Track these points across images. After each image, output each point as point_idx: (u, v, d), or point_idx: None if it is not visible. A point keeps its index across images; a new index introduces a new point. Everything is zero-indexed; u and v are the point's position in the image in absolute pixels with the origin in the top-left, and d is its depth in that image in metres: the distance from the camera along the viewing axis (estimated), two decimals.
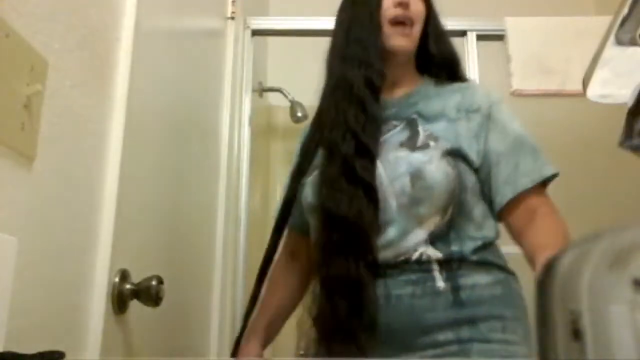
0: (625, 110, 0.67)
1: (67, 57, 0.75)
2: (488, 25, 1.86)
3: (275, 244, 1.11)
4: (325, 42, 2.04)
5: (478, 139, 1.00)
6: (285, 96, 2.23)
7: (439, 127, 1.00)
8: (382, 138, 1.01)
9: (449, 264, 0.94)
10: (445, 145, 0.97)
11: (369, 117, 0.99)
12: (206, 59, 1.54)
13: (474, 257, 0.96)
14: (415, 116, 1.03)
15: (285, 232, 1.13)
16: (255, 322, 1.12)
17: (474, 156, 0.99)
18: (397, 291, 0.93)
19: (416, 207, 0.94)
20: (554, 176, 1.01)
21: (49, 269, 0.70)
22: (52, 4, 0.71)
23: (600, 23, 0.82)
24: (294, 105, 2.20)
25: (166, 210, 1.14)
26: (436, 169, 0.94)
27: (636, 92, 0.65)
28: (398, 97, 1.07)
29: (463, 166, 0.98)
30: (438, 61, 1.10)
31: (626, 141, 0.67)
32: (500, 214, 1.00)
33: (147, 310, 0.91)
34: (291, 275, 1.17)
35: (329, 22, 1.92)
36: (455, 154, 0.97)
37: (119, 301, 0.86)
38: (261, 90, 2.16)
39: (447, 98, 1.04)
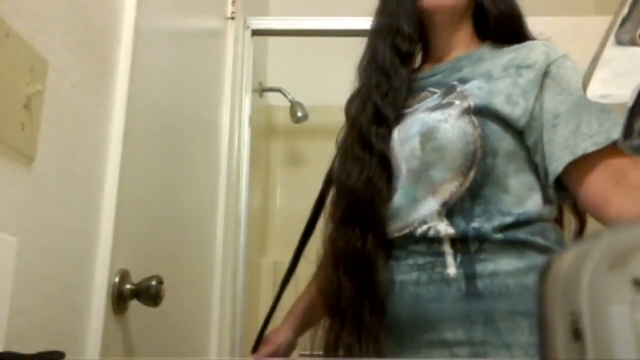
0: (625, 111, 0.67)
1: (67, 57, 0.75)
2: None
3: (312, 227, 1.00)
4: (325, 42, 2.04)
5: (526, 96, 0.83)
6: (285, 96, 2.23)
7: (473, 84, 0.86)
8: (416, 106, 0.90)
9: (466, 245, 0.78)
10: (470, 102, 0.83)
11: (391, 86, 0.90)
12: (206, 59, 1.54)
13: (499, 236, 0.78)
14: (455, 83, 0.89)
15: None
16: (295, 304, 1.01)
17: (517, 115, 0.82)
18: (400, 277, 0.81)
19: (427, 172, 0.81)
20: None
21: (49, 269, 0.70)
22: (52, 4, 0.71)
23: (600, 23, 0.82)
24: (294, 105, 2.20)
25: (166, 210, 1.14)
26: (452, 127, 0.81)
27: (636, 92, 0.65)
28: (447, 61, 0.95)
29: (494, 126, 0.82)
30: (495, 19, 0.94)
31: (626, 141, 0.67)
32: (559, 186, 0.82)
33: (147, 310, 0.91)
34: None
35: (329, 22, 1.93)
36: (483, 113, 0.82)
37: (119, 301, 0.86)
38: (261, 90, 2.16)
39: (499, 58, 0.90)
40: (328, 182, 1.00)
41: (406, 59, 0.92)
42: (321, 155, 1.13)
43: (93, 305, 0.81)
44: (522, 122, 0.83)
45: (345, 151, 0.90)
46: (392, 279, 0.81)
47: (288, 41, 2.25)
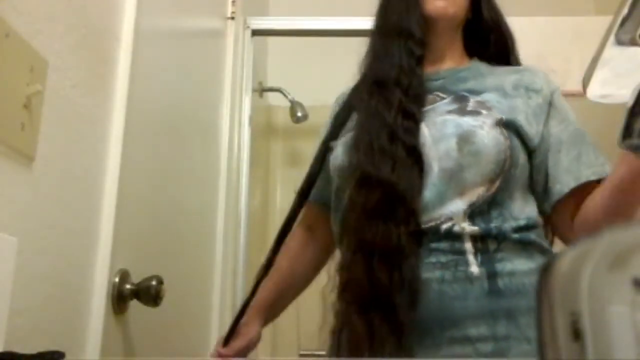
0: (625, 111, 0.67)
1: (67, 57, 0.75)
2: None
3: (297, 211, 1.01)
4: (325, 42, 2.03)
5: (537, 119, 0.91)
6: (285, 96, 2.23)
7: (491, 97, 0.91)
8: (428, 107, 0.93)
9: (485, 244, 0.83)
10: (498, 115, 0.88)
11: (412, 84, 0.93)
12: (206, 59, 1.54)
13: (516, 236, 0.84)
14: (465, 93, 0.93)
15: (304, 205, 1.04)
16: (261, 297, 1.01)
17: (532, 134, 0.89)
18: (424, 275, 0.81)
19: (461, 173, 0.84)
20: None
21: (49, 269, 0.70)
22: (52, 4, 0.71)
23: (600, 23, 0.82)
24: (294, 105, 2.20)
25: (166, 210, 1.14)
26: (487, 134, 0.85)
27: (636, 92, 0.65)
28: (445, 69, 1.00)
29: (516, 141, 0.88)
30: (492, 34, 1.02)
31: (626, 141, 0.67)
32: (556, 205, 0.89)
33: (147, 310, 0.91)
34: (308, 250, 1.08)
35: (329, 22, 1.93)
36: (510, 127, 0.87)
37: (119, 301, 0.86)
38: (261, 90, 2.16)
39: (503, 77, 0.96)
40: (314, 175, 1.01)
41: (420, 61, 0.95)
42: None
43: (93, 305, 0.81)
44: (535, 142, 0.90)
45: (369, 143, 0.89)
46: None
47: (288, 41, 2.25)
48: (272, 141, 2.40)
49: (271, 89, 2.26)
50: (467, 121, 0.87)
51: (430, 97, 0.95)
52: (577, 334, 0.31)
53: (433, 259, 0.82)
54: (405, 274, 0.79)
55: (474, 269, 0.81)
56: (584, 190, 0.86)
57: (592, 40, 0.86)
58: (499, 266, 0.82)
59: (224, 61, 1.68)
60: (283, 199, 2.26)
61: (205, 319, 1.44)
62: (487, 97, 0.91)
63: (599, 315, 0.30)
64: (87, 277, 0.80)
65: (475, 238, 0.83)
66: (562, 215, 0.90)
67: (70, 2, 0.77)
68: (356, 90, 1.03)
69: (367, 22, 1.55)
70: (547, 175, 0.90)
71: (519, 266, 0.82)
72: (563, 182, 0.88)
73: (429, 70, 0.99)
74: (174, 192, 1.20)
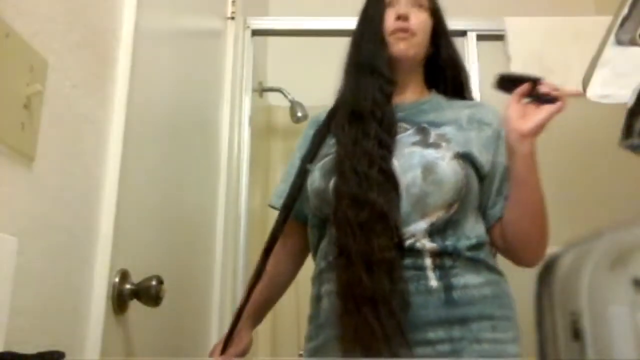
0: (625, 111, 0.67)
1: (67, 57, 0.75)
2: (488, 25, 1.86)
3: (282, 225, 1.12)
4: (325, 42, 2.03)
5: (488, 149, 1.06)
6: (285, 96, 2.23)
7: (449, 130, 1.05)
8: (395, 138, 1.06)
9: (442, 260, 0.96)
10: (456, 148, 1.02)
11: (385, 116, 1.05)
12: (206, 59, 1.54)
13: (468, 254, 0.98)
14: (426, 125, 1.07)
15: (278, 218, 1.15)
16: (250, 307, 1.11)
17: (483, 162, 1.04)
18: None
19: (425, 199, 0.97)
20: None
21: (49, 269, 0.70)
22: (52, 4, 0.71)
23: (600, 23, 0.82)
24: (294, 105, 2.20)
25: (166, 210, 1.14)
26: (447, 165, 0.99)
27: (636, 92, 0.65)
28: (408, 102, 1.13)
29: (471, 171, 1.02)
30: (449, 70, 1.16)
31: (626, 141, 0.67)
32: (492, 227, 1.06)
33: (147, 310, 0.91)
34: (284, 259, 1.18)
35: (328, 22, 1.93)
36: (465, 158, 1.02)
37: (119, 301, 0.86)
38: (261, 90, 2.16)
39: (458, 110, 1.10)
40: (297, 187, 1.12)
41: (389, 97, 1.09)
42: None
43: (93, 305, 0.81)
44: (485, 170, 1.05)
45: (353, 168, 1.01)
46: None
47: (288, 41, 2.25)
48: (272, 141, 2.39)
49: (271, 89, 2.26)
50: (431, 153, 1.01)
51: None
52: (577, 334, 0.31)
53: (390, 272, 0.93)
54: (397, 283, 0.92)
55: (433, 282, 0.95)
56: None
57: (592, 40, 0.86)
58: (454, 280, 0.96)
59: (224, 61, 1.68)
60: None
61: (205, 319, 1.44)
62: (446, 130, 1.05)
63: (599, 315, 0.30)
64: (87, 277, 0.80)
65: (433, 255, 0.96)
66: (495, 235, 1.06)
67: (70, 2, 0.76)
68: (333, 119, 1.15)
69: None
70: (488, 199, 1.06)
71: (470, 280, 0.97)
72: (497, 208, 1.05)
73: (394, 102, 1.11)
74: (174, 192, 1.19)
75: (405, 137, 1.05)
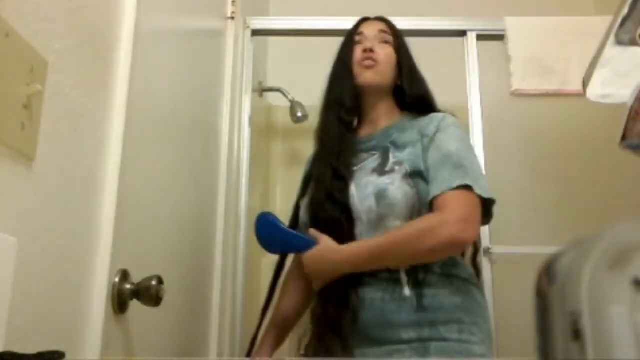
0: (625, 111, 0.67)
1: (67, 57, 0.75)
2: (488, 25, 1.86)
3: (282, 264, 1.31)
4: (325, 42, 2.03)
5: (424, 156, 1.17)
6: (285, 96, 2.23)
7: (405, 153, 1.18)
8: (360, 165, 1.21)
9: (416, 274, 1.10)
10: (407, 168, 1.15)
11: (342, 149, 1.22)
12: (206, 59, 1.54)
13: (438, 270, 1.12)
14: (388, 145, 1.21)
15: None
16: (268, 327, 1.29)
17: (425, 172, 1.16)
18: (370, 295, 1.11)
19: (382, 222, 1.13)
20: (468, 187, 1.11)
21: (49, 269, 0.70)
22: (52, 4, 0.71)
23: (600, 23, 0.82)
24: (294, 105, 2.20)
25: (166, 210, 1.14)
26: (397, 189, 1.13)
27: (636, 92, 0.65)
28: (379, 129, 1.27)
29: (422, 184, 1.14)
30: (412, 99, 1.28)
31: (626, 141, 0.67)
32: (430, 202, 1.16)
33: (147, 310, 0.91)
34: (298, 284, 1.31)
35: (328, 22, 1.93)
36: (415, 175, 1.15)
37: (119, 301, 0.86)
38: (261, 90, 2.16)
39: (416, 130, 1.22)
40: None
41: (349, 126, 1.27)
42: None
43: (93, 305, 0.81)
44: (428, 178, 1.15)
45: (317, 203, 1.21)
46: (364, 297, 1.11)
47: (288, 41, 2.25)
48: (272, 141, 2.39)
49: (271, 89, 2.26)
50: (383, 181, 1.14)
51: (364, 155, 1.23)
52: (577, 334, 0.31)
53: (377, 285, 1.11)
54: (349, 302, 1.11)
55: (407, 291, 1.09)
56: (434, 206, 1.11)
57: (592, 40, 0.86)
58: (426, 290, 1.10)
59: (224, 61, 1.68)
60: (283, 199, 2.26)
61: (205, 319, 1.44)
62: (402, 154, 1.18)
63: (599, 315, 0.30)
64: (87, 277, 0.80)
65: (408, 271, 1.11)
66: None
67: (70, 2, 0.76)
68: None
69: None
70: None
71: (440, 290, 1.11)
72: (425, 203, 1.15)
73: (366, 132, 1.28)
74: (174, 192, 1.20)
75: (369, 164, 1.20)
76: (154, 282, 0.88)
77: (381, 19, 1.35)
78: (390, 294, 1.10)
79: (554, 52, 1.81)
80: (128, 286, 0.88)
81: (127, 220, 0.89)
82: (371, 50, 1.26)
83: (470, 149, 1.20)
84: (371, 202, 1.13)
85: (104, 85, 0.86)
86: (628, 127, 0.66)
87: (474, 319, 1.10)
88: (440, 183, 1.11)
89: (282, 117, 2.33)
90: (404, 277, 1.10)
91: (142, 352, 0.96)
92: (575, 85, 1.56)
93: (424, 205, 1.13)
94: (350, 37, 1.33)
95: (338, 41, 1.82)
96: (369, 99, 1.27)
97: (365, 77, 1.25)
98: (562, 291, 0.33)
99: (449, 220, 1.07)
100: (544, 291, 0.34)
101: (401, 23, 1.40)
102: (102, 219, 0.84)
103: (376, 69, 1.25)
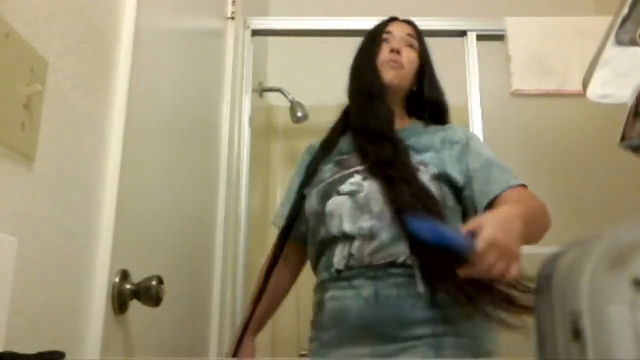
0: (625, 110, 0.67)
1: (67, 57, 0.75)
2: (488, 25, 1.86)
3: (281, 248, 1.28)
4: (325, 42, 2.03)
5: (460, 162, 1.19)
6: (285, 96, 2.23)
7: (427, 156, 1.19)
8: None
9: (429, 270, 1.08)
10: (433, 170, 1.16)
11: (391, 141, 1.20)
12: (206, 59, 1.54)
13: None
14: (406, 146, 1.21)
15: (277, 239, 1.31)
16: (255, 319, 1.28)
17: (457, 176, 1.17)
18: (385, 292, 1.09)
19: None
20: (523, 186, 1.14)
21: (49, 269, 0.70)
22: (52, 4, 0.71)
23: (600, 23, 0.82)
24: (294, 105, 2.20)
25: (166, 210, 1.14)
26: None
27: (636, 92, 0.65)
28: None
29: (446, 188, 1.16)
30: (430, 106, 1.31)
31: (626, 141, 0.67)
32: (494, 199, 1.13)
33: (147, 310, 0.91)
34: (283, 276, 1.34)
35: (328, 22, 1.93)
36: (441, 178, 1.15)
37: (119, 301, 0.86)
38: (261, 90, 2.16)
39: (433, 135, 1.25)
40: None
41: (392, 123, 1.25)
42: None
43: (93, 305, 0.81)
44: (461, 182, 1.17)
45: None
46: (378, 293, 1.09)
47: (288, 41, 2.25)
48: (272, 141, 2.39)
49: (271, 89, 2.26)
50: None
51: None
52: (577, 334, 0.31)
53: (392, 281, 1.09)
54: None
55: (421, 288, 1.08)
56: (497, 203, 1.10)
57: (592, 40, 0.86)
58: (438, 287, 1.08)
59: (224, 61, 1.68)
60: None
61: (205, 319, 1.44)
62: (424, 156, 1.19)
63: (599, 315, 0.30)
64: (87, 277, 0.80)
65: (420, 266, 1.08)
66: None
67: (70, 2, 0.76)
68: (329, 146, 1.30)
69: (366, 22, 1.56)
70: (480, 192, 1.16)
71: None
72: (480, 204, 1.14)
73: None
74: (174, 192, 1.20)
75: None
76: (154, 282, 0.88)
77: (409, 23, 1.37)
78: (405, 290, 1.09)
79: (554, 52, 1.81)
80: (128, 286, 0.88)
81: (127, 220, 0.89)
82: (398, 52, 1.29)
83: None
84: None
85: (104, 85, 0.86)
86: (628, 127, 0.66)
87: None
88: (500, 182, 1.13)
89: (282, 117, 2.33)
90: (418, 273, 1.09)
91: (142, 352, 0.96)
92: (575, 85, 1.56)
93: (445, 208, 1.14)
94: (377, 34, 1.33)
95: (338, 41, 1.82)
96: (390, 98, 1.28)
97: (389, 76, 1.27)
98: (562, 291, 0.33)
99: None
100: (544, 291, 0.34)
101: None
102: (102, 219, 0.84)
103: (400, 71, 1.28)
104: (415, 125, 1.31)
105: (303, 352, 1.96)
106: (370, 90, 1.26)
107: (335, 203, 1.16)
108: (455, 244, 0.89)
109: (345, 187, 1.17)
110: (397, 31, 1.33)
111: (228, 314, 1.53)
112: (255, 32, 1.87)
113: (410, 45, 1.31)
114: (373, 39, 1.33)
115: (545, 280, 0.34)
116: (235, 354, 1.22)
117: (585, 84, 0.87)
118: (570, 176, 2.13)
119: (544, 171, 2.15)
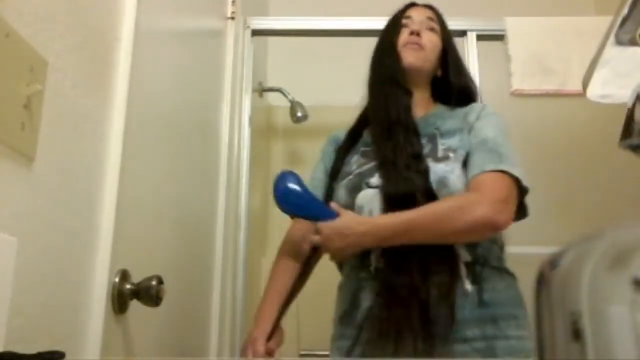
0: (625, 111, 0.67)
1: (67, 57, 0.75)
2: (488, 25, 1.86)
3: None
4: (325, 42, 2.03)
5: (470, 142, 1.16)
6: (285, 96, 2.23)
7: (455, 140, 1.16)
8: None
9: (474, 268, 1.07)
10: (462, 153, 1.13)
11: (409, 130, 1.17)
12: (206, 59, 1.54)
13: (495, 263, 1.10)
14: (434, 131, 1.19)
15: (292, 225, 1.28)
16: (269, 304, 1.21)
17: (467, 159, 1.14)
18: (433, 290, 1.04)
19: None
20: (503, 172, 1.09)
21: (49, 269, 0.70)
22: (52, 4, 0.71)
23: (600, 23, 0.82)
24: (294, 105, 2.20)
25: (166, 210, 1.14)
26: (457, 178, 1.10)
27: (636, 92, 0.65)
28: (418, 115, 1.23)
29: None
30: (457, 92, 1.26)
31: (626, 141, 0.67)
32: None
33: (147, 310, 0.91)
34: (298, 265, 1.25)
35: (328, 22, 1.93)
36: (466, 162, 1.12)
37: (119, 301, 0.86)
38: (261, 90, 2.16)
39: (458, 119, 1.21)
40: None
41: (411, 110, 1.21)
42: None
43: (93, 305, 0.81)
44: None
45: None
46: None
47: (288, 41, 2.25)
48: (272, 141, 2.40)
49: (271, 89, 2.26)
50: (441, 168, 1.10)
51: None
52: (577, 334, 0.31)
53: (437, 279, 1.04)
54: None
55: (468, 286, 1.05)
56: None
57: (592, 40, 0.86)
58: (484, 284, 1.06)
59: (224, 61, 1.68)
60: None
61: (205, 319, 1.44)
62: (451, 141, 1.15)
63: (599, 315, 0.30)
64: (87, 277, 0.80)
65: (467, 264, 1.07)
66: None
67: (70, 2, 0.76)
68: (356, 137, 1.28)
69: (366, 23, 1.56)
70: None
71: (496, 284, 1.08)
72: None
73: None
74: (174, 192, 1.20)
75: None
76: (154, 282, 0.88)
77: (429, 7, 1.33)
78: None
79: (554, 52, 1.81)
80: (128, 286, 0.88)
81: (127, 220, 0.89)
82: (418, 34, 1.25)
83: (508, 137, 1.17)
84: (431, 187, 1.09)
85: (104, 85, 0.86)
86: (628, 127, 0.66)
87: (524, 312, 1.07)
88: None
89: (282, 117, 2.33)
90: (463, 271, 1.06)
91: (142, 352, 0.96)
92: (575, 85, 1.56)
93: None
94: (397, 20, 1.31)
95: (338, 41, 1.82)
96: (409, 81, 1.24)
97: (409, 59, 1.24)
98: (562, 291, 0.33)
99: (485, 199, 1.04)
100: (544, 291, 0.34)
101: None
102: (102, 219, 0.84)
103: (420, 53, 1.24)
104: (441, 109, 1.27)
105: (303, 352, 1.96)
106: (392, 76, 1.23)
107: (366, 197, 1.13)
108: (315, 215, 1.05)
109: (375, 180, 1.14)
110: (417, 15, 1.30)
111: (228, 314, 1.53)
112: (255, 32, 1.87)
113: (432, 29, 1.28)
114: (393, 26, 1.30)
115: (545, 280, 0.34)
116: (270, 337, 1.15)
117: (585, 84, 0.87)
118: (570, 176, 2.13)
119: (544, 171, 2.15)
